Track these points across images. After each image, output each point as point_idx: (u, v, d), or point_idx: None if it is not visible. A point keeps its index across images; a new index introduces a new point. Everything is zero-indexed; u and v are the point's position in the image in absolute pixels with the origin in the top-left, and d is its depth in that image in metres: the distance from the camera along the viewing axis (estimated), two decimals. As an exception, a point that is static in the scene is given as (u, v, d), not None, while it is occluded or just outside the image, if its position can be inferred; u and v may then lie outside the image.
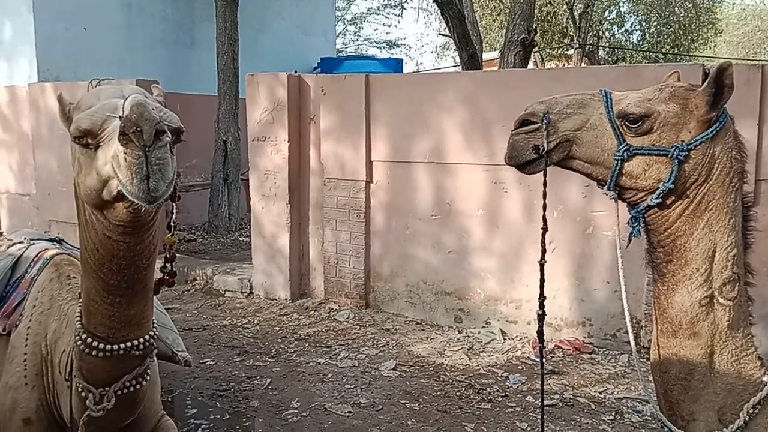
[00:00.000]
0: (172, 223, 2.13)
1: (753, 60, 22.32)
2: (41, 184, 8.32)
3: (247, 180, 7.28)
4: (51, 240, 3.14)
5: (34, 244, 2.96)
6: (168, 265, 2.16)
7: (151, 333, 2.24)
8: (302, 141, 6.56)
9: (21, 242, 2.98)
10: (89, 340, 2.13)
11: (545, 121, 1.73)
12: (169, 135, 1.78)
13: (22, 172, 8.68)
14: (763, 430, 1.70)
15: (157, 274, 2.21)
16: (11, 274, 2.76)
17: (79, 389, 2.23)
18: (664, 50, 21.16)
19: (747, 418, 1.69)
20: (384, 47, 26.42)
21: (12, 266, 2.79)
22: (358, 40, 26.78)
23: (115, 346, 2.13)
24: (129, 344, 2.15)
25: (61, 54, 9.58)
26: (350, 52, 25.26)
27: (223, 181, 9.61)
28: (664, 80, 1.82)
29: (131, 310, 2.12)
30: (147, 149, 1.70)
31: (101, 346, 2.12)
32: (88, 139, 1.87)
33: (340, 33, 24.13)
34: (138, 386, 2.27)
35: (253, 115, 6.63)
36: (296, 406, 4.26)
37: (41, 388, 2.46)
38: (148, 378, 2.33)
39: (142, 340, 2.18)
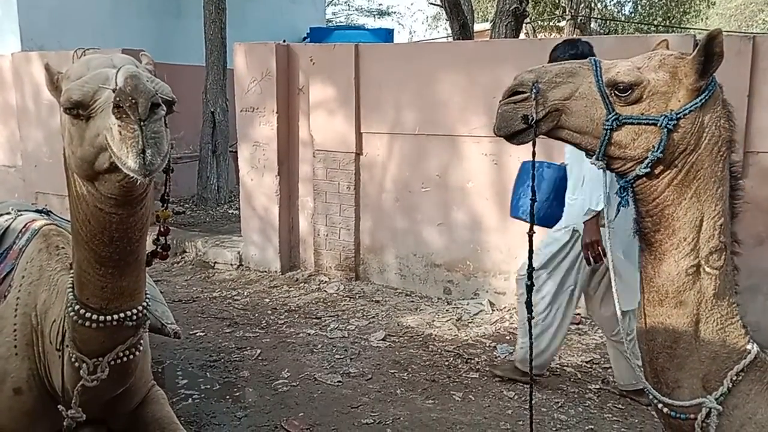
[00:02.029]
0: (166, 197, 2.12)
1: (745, 32, 22.26)
2: (27, 156, 8.22)
3: (236, 152, 7.23)
4: (38, 211, 3.12)
5: (21, 215, 2.95)
6: (162, 238, 2.16)
7: (144, 304, 2.24)
8: (291, 112, 6.50)
9: (8, 213, 2.96)
10: (82, 311, 2.13)
11: (534, 90, 1.71)
12: (164, 107, 1.76)
13: (7, 143, 8.56)
14: (746, 397, 1.72)
15: (150, 247, 2.20)
16: (-1, 245, 2.74)
17: (73, 359, 2.23)
18: (655, 22, 21.05)
19: (731, 385, 1.72)
20: (375, 16, 26.09)
21: (0, 237, 2.77)
22: (348, 9, 26.42)
23: (109, 317, 2.13)
24: (122, 315, 2.15)
25: (45, 23, 9.39)
26: (340, 21, 24.95)
27: (212, 153, 9.53)
28: (653, 49, 1.81)
29: (124, 281, 2.12)
30: (142, 122, 1.68)
31: (94, 317, 2.12)
32: (79, 110, 1.84)
33: (330, 2, 23.79)
34: (131, 356, 2.28)
35: (241, 85, 6.56)
36: (286, 376, 4.30)
37: (32, 358, 2.47)
38: (141, 348, 2.35)
39: (135, 311, 2.18)
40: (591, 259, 3.70)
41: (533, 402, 3.90)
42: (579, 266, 3.89)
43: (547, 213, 3.94)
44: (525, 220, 3.96)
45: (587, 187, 3.72)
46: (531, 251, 2.08)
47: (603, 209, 3.45)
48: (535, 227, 2.03)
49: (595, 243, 3.67)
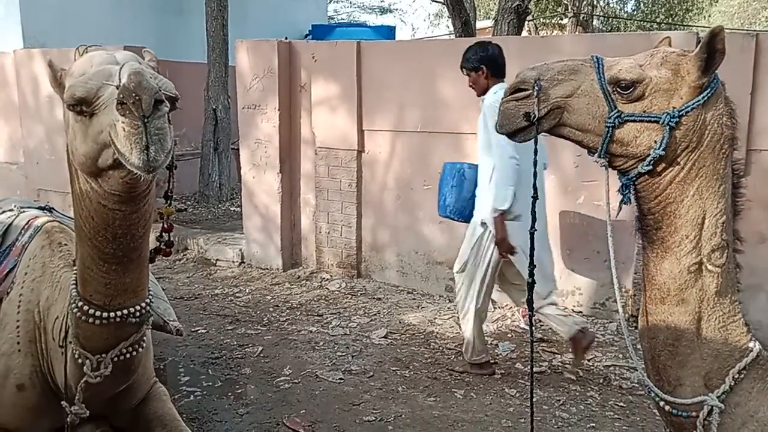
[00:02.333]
0: (169, 193, 2.13)
1: (748, 30, 22.21)
2: (29, 153, 8.23)
3: (238, 149, 7.23)
4: (41, 208, 3.12)
5: (24, 212, 2.95)
6: (165, 234, 2.16)
7: (148, 300, 2.25)
8: (293, 109, 6.50)
9: (11, 210, 2.97)
10: (86, 307, 2.13)
11: (536, 87, 1.71)
12: (167, 104, 1.76)
13: (9, 140, 8.58)
14: (748, 395, 1.72)
15: (153, 243, 2.21)
16: (2, 242, 2.76)
17: (76, 356, 2.24)
18: (658, 20, 21.03)
19: (732, 383, 1.71)
20: (377, 13, 26.08)
21: (2, 234, 2.78)
22: (350, 6, 26.40)
23: (112, 314, 2.14)
24: (126, 311, 2.16)
25: (47, 20, 9.41)
26: (342, 18, 24.94)
27: (214, 151, 9.54)
28: (656, 46, 1.81)
29: (127, 277, 2.12)
30: (146, 119, 1.68)
31: (98, 313, 2.13)
32: (82, 107, 1.85)
33: (331, -1, 23.77)
34: (134, 353, 2.29)
35: (243, 83, 6.56)
36: (288, 373, 4.30)
37: (35, 355, 2.48)
38: (144, 345, 2.35)
39: (138, 307, 2.19)
40: (505, 254, 3.97)
41: (535, 400, 3.92)
42: (491, 256, 4.08)
43: (471, 211, 4.19)
44: (452, 219, 4.33)
45: (492, 185, 3.92)
46: (532, 248, 2.07)
47: (509, 206, 3.83)
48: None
49: (502, 240, 3.91)
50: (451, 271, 5.81)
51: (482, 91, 4.13)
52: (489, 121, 3.87)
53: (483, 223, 4.05)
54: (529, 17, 13.82)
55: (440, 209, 4.37)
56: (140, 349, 2.30)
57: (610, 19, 22.27)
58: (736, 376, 1.72)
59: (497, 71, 4.09)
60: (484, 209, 4.03)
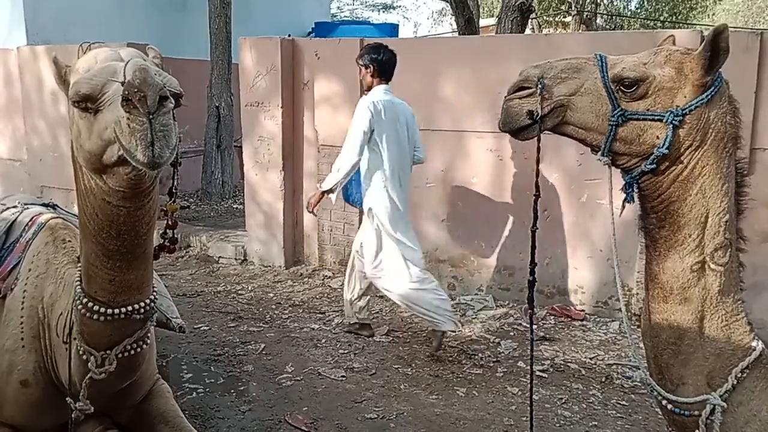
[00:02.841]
0: (174, 190, 2.13)
1: (752, 28, 22.15)
2: (32, 150, 8.24)
3: (241, 146, 7.22)
4: (45, 205, 3.13)
5: (28, 208, 2.96)
6: (169, 231, 2.16)
7: (152, 297, 2.25)
8: (296, 107, 6.50)
9: (15, 207, 2.98)
10: (90, 304, 2.14)
11: (540, 85, 1.71)
12: (172, 101, 1.76)
13: (12, 137, 8.59)
14: (750, 394, 1.72)
15: (157, 240, 2.21)
16: (6, 239, 2.76)
17: (81, 352, 2.25)
18: (662, 18, 20.99)
19: (735, 382, 1.71)
20: (380, 10, 26.05)
21: (6, 230, 2.79)
22: (353, 3, 26.37)
23: (117, 311, 2.14)
24: (130, 308, 2.16)
25: (51, 17, 9.41)
26: (345, 16, 24.92)
27: (216, 148, 9.53)
28: (659, 44, 1.80)
29: (131, 274, 2.13)
30: (151, 116, 1.69)
31: (102, 310, 2.13)
32: (87, 104, 1.85)
33: (335, -3, 23.72)
34: (139, 349, 2.29)
35: (246, 80, 6.56)
36: (290, 371, 4.31)
37: (38, 351, 2.48)
38: (148, 341, 2.36)
39: (142, 304, 2.19)
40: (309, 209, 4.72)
41: (537, 398, 3.92)
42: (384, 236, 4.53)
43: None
44: (353, 205, 4.96)
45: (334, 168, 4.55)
46: (534, 247, 2.07)
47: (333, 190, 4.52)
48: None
49: (310, 204, 4.68)
50: (453, 269, 5.85)
51: (367, 88, 4.59)
52: (356, 118, 4.39)
53: (369, 209, 4.52)
54: (533, 15, 13.80)
55: (344, 197, 4.83)
56: (144, 346, 2.30)
57: (614, 17, 22.23)
58: (739, 375, 1.72)
59: (383, 73, 4.55)
60: (366, 199, 4.54)
